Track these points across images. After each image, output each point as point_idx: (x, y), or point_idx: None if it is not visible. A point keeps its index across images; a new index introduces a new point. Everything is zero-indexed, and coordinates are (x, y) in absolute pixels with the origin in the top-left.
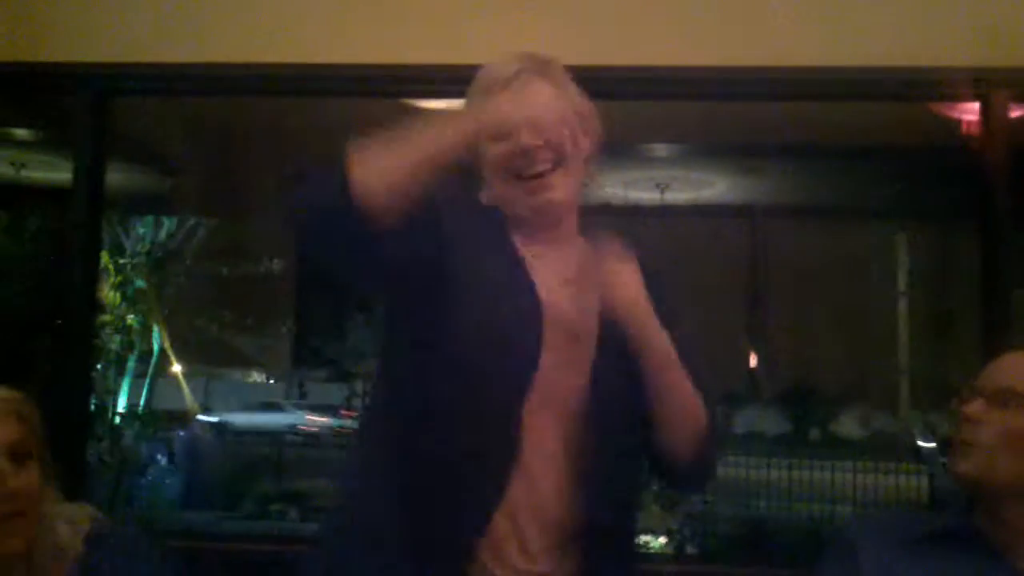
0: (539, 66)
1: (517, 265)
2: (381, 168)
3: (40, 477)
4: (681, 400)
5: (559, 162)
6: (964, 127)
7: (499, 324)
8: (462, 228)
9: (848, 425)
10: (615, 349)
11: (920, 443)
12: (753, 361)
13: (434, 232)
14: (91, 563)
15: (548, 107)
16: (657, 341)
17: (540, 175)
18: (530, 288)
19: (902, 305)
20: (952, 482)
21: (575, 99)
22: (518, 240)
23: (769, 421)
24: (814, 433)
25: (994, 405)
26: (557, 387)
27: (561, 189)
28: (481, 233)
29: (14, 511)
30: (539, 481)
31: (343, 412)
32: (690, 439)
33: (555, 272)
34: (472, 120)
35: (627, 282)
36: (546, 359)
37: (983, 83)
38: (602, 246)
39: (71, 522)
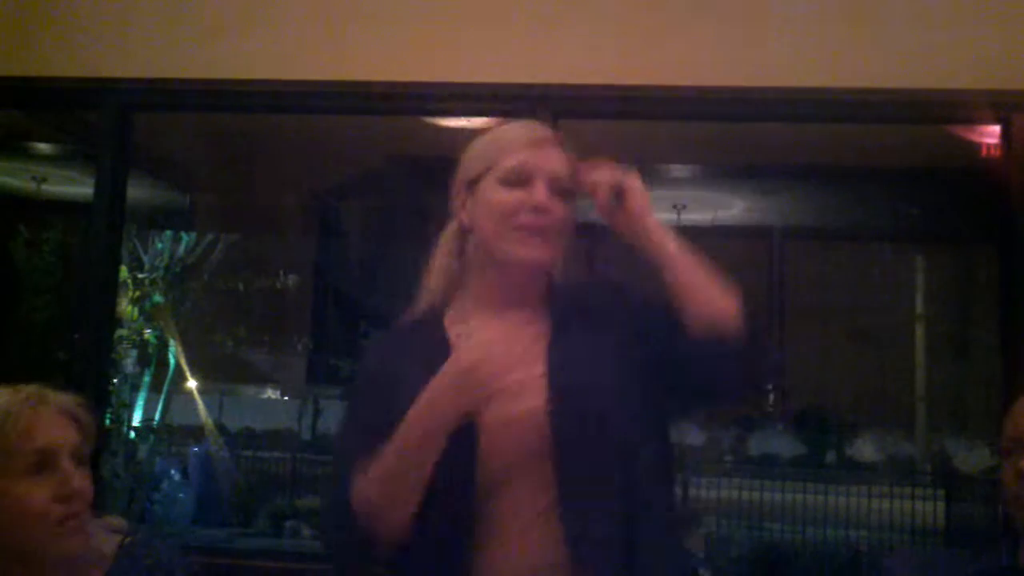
0: (557, 138)
1: (442, 345)
2: (389, 495)
3: (91, 483)
4: (705, 277)
5: (555, 233)
6: (984, 150)
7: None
8: (403, 359)
9: (864, 449)
10: (570, 375)
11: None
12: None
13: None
14: (122, 571)
15: (564, 174)
16: (669, 237)
17: (539, 234)
18: (446, 353)
19: (920, 328)
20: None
21: (575, 183)
22: (466, 309)
23: (784, 444)
24: (830, 456)
25: None
26: (514, 440)
27: (551, 252)
28: (416, 346)
29: (75, 512)
30: (519, 545)
31: None
32: (723, 316)
33: (491, 339)
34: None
35: (633, 188)
36: (488, 418)
37: (1003, 106)
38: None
39: (109, 531)
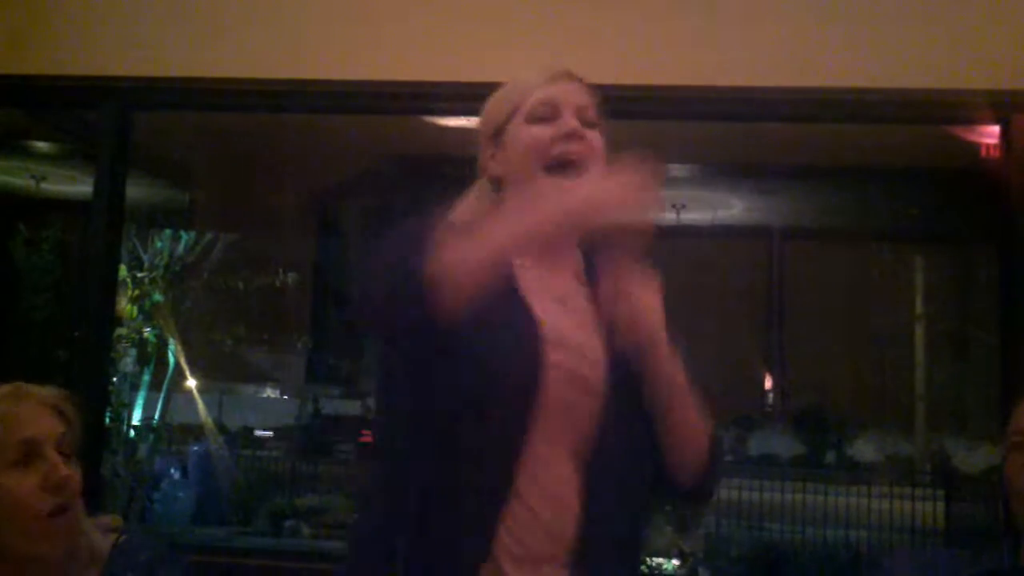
0: (572, 73)
1: (513, 293)
2: (455, 267)
3: (80, 477)
4: (688, 427)
5: (590, 163)
6: (983, 150)
7: (498, 356)
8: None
9: (864, 449)
10: (623, 370)
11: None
12: (768, 383)
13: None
14: (116, 571)
15: (591, 103)
16: (672, 369)
17: (574, 165)
18: (528, 316)
19: (920, 328)
20: None
21: (603, 123)
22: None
23: (784, 443)
24: (829, 456)
25: None
26: (566, 415)
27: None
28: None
29: (65, 503)
30: (543, 509)
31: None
32: (692, 462)
33: (547, 288)
34: (556, 210)
35: (650, 307)
36: (551, 381)
37: (1003, 106)
38: (614, 260)
39: (103, 530)
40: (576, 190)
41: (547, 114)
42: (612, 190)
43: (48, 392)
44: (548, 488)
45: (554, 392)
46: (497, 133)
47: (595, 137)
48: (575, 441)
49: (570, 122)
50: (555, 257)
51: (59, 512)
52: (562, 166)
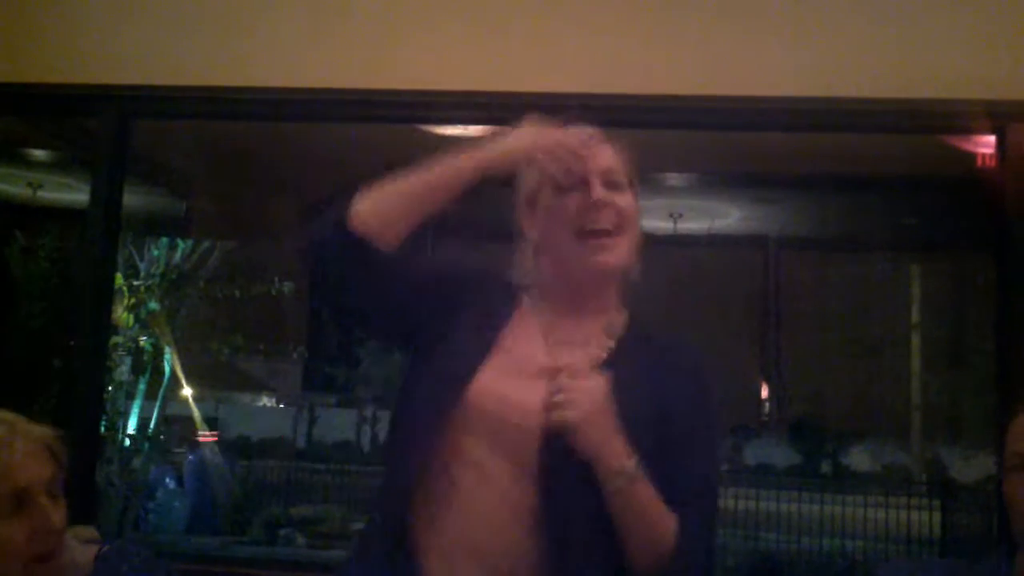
0: (605, 137)
1: (482, 348)
2: (380, 198)
3: (65, 513)
4: (641, 521)
5: (622, 226)
6: (979, 160)
7: (433, 372)
8: (466, 300)
9: (860, 458)
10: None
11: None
12: (765, 392)
13: (432, 281)
14: None
15: (619, 169)
16: (611, 464)
17: (606, 233)
18: (481, 348)
19: (915, 337)
20: None
21: (634, 180)
22: (537, 312)
23: (780, 453)
24: (825, 466)
25: None
26: (495, 451)
27: (618, 255)
28: (482, 307)
29: (51, 548)
30: (481, 522)
31: None
32: (647, 555)
33: (552, 331)
34: (486, 152)
35: (574, 401)
36: (470, 419)
37: (999, 116)
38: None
39: (83, 541)
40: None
41: (573, 183)
42: (532, 138)
43: (40, 432)
44: (477, 514)
45: (477, 428)
46: (530, 201)
47: (623, 199)
48: (512, 476)
49: (595, 192)
50: (588, 318)
51: (48, 558)
52: (592, 233)
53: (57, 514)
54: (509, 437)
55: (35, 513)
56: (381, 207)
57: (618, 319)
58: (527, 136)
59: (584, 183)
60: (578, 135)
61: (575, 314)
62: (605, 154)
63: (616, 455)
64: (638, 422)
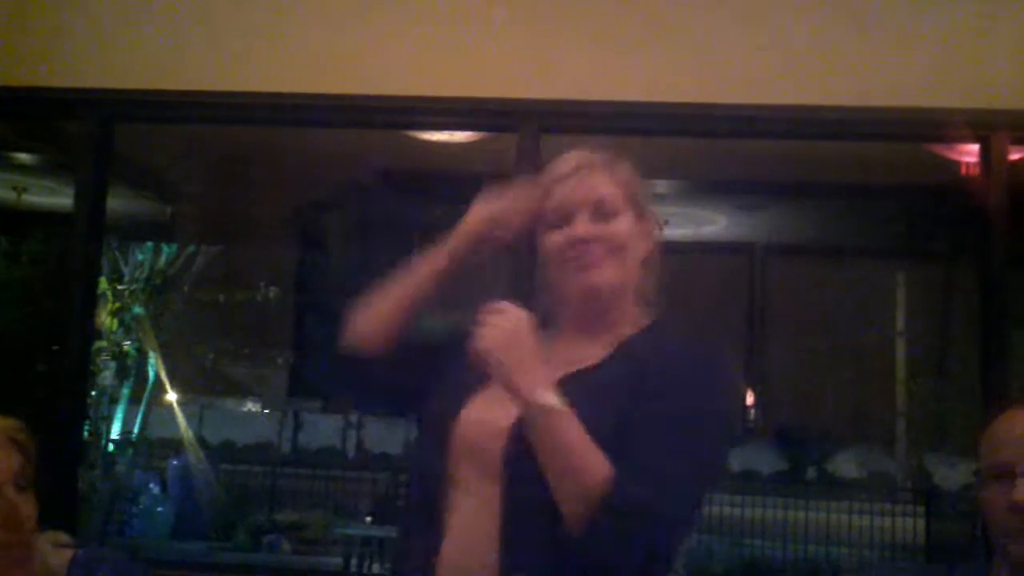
0: (602, 162)
1: (475, 382)
2: (367, 312)
3: (35, 506)
4: (563, 459)
5: (612, 251)
6: (964, 168)
7: (434, 405)
8: (460, 353)
9: (845, 465)
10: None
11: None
12: (750, 398)
13: (424, 359)
14: None
15: (615, 194)
16: (528, 397)
17: (590, 266)
18: (471, 384)
19: (900, 344)
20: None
21: (636, 198)
22: (543, 338)
23: (765, 459)
24: (810, 472)
25: None
26: (473, 473)
27: (608, 274)
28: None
29: (21, 539)
30: (454, 543)
31: None
32: (571, 498)
33: (558, 355)
34: (451, 240)
35: (489, 333)
36: (456, 446)
37: (983, 125)
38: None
39: (56, 546)
40: (468, 215)
41: (560, 220)
42: (482, 213)
43: (6, 423)
44: (457, 536)
45: (463, 455)
46: (536, 237)
47: (617, 225)
48: (486, 494)
49: (578, 229)
50: (586, 325)
51: (22, 560)
52: (580, 268)
53: (26, 506)
54: (486, 460)
55: (2, 505)
56: (372, 322)
57: (633, 332)
58: (478, 213)
59: (570, 218)
60: (567, 165)
61: (582, 336)
62: (597, 183)
63: (533, 387)
64: (619, 412)
